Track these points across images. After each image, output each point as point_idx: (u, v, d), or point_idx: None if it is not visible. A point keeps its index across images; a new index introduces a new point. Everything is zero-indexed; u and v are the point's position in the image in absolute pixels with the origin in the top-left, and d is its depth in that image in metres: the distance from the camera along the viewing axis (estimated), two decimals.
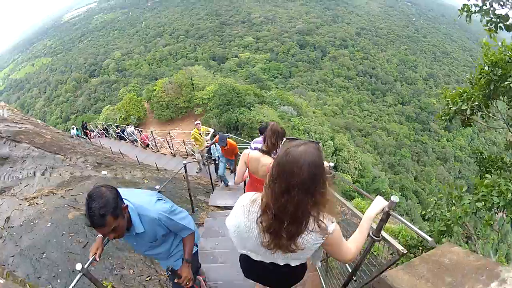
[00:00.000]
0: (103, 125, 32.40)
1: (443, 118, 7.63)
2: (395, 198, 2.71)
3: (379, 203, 2.68)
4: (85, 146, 15.23)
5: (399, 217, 2.86)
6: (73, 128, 29.43)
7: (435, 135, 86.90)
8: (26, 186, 7.47)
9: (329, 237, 2.14)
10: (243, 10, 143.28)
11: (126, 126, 26.80)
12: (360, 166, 50.08)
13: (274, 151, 4.55)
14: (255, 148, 4.65)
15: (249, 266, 2.73)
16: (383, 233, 3.09)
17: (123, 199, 2.93)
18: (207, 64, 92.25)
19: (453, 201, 6.52)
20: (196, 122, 14.38)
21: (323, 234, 2.11)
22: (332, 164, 4.24)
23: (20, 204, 6.55)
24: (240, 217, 2.26)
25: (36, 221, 5.95)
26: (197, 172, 15.44)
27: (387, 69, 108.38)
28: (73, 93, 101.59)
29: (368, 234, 2.72)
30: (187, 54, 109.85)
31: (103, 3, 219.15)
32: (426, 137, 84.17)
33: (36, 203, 6.58)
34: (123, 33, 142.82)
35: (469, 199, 6.07)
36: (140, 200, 3.09)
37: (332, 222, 2.14)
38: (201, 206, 9.51)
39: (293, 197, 1.92)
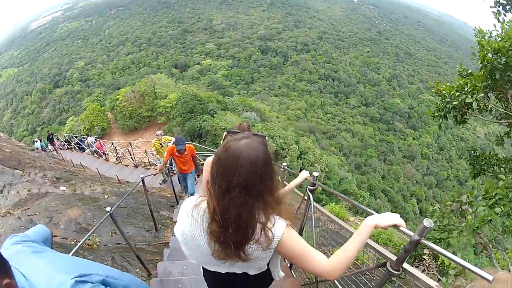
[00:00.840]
0: (64, 137, 31.28)
1: (436, 114, 7.15)
2: (428, 222, 2.03)
3: (391, 217, 2.02)
4: (46, 159, 14.88)
5: (436, 247, 2.12)
6: (36, 141, 27.82)
7: (401, 134, 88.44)
8: None
9: (279, 245, 1.83)
10: (205, 17, 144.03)
11: (86, 137, 26.06)
12: (326, 168, 50.39)
13: None
14: None
15: (208, 278, 2.35)
16: (407, 266, 2.52)
17: (10, 267, 1.41)
18: (170, 72, 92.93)
19: (461, 208, 5.95)
20: (156, 133, 13.73)
21: (268, 244, 1.80)
22: (316, 173, 4.01)
23: None
24: (185, 224, 1.97)
25: None
26: (160, 183, 14.29)
27: (350, 71, 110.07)
28: (38, 105, 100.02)
29: (385, 267, 2.47)
30: (149, 62, 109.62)
31: (68, 12, 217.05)
32: (392, 137, 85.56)
33: None
34: (87, 42, 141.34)
35: (483, 205, 5.42)
36: (44, 280, 1.60)
37: (280, 229, 1.82)
38: (165, 223, 8.65)
39: (235, 199, 1.69)
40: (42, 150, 24.58)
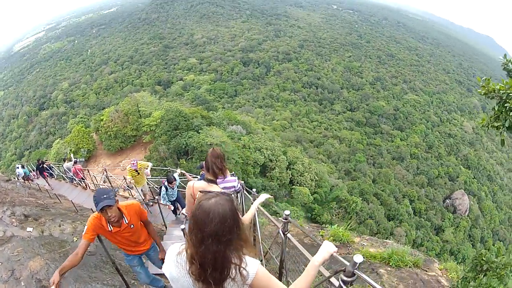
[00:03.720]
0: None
1: (496, 124, 4.86)
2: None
3: (326, 249, 2.56)
4: (20, 191, 13.94)
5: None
6: (18, 167, 24.17)
7: (388, 136, 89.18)
8: None
9: (253, 281, 2.28)
10: (185, 32, 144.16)
11: (63, 162, 23.76)
12: (316, 177, 50.78)
13: (221, 176, 4.60)
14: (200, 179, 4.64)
15: None
16: None
17: None
18: (153, 90, 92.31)
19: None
20: (131, 161, 12.25)
21: (244, 281, 2.24)
22: (360, 259, 2.54)
23: None
24: (171, 267, 2.38)
25: None
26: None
27: (333, 78, 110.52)
28: (25, 128, 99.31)
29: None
30: (132, 80, 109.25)
31: (50, 32, 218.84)
32: (379, 140, 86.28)
33: None
34: (70, 62, 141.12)
35: None
36: None
37: (254, 268, 2.29)
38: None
39: (209, 246, 2.09)
40: (25, 178, 22.55)
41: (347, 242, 7.43)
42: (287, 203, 42.49)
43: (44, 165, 23.50)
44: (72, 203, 13.83)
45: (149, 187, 14.46)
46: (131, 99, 49.73)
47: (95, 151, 45.74)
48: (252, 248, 2.41)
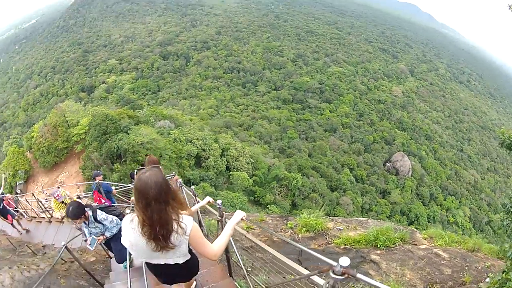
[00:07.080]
0: None
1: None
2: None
3: (239, 215, 3.56)
4: None
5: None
6: None
7: (317, 110, 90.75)
8: None
9: (190, 234, 2.94)
10: (103, 34, 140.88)
11: None
12: (251, 160, 51.58)
13: None
14: None
15: (154, 270, 3.46)
16: None
17: None
18: (78, 97, 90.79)
19: None
20: (52, 192, 10.62)
21: (184, 232, 2.90)
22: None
23: None
24: (128, 234, 2.99)
25: None
26: (85, 240, 10.29)
27: (253, 60, 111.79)
28: None
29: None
30: (57, 91, 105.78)
31: None
32: (308, 114, 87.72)
33: None
34: None
35: None
36: None
37: (190, 222, 2.98)
38: None
39: (153, 208, 2.70)
40: None
41: (322, 230, 7.03)
42: (228, 190, 42.84)
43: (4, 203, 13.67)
44: (9, 240, 11.48)
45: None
46: (58, 111, 48.31)
47: (32, 170, 44.44)
48: (187, 209, 3.22)
